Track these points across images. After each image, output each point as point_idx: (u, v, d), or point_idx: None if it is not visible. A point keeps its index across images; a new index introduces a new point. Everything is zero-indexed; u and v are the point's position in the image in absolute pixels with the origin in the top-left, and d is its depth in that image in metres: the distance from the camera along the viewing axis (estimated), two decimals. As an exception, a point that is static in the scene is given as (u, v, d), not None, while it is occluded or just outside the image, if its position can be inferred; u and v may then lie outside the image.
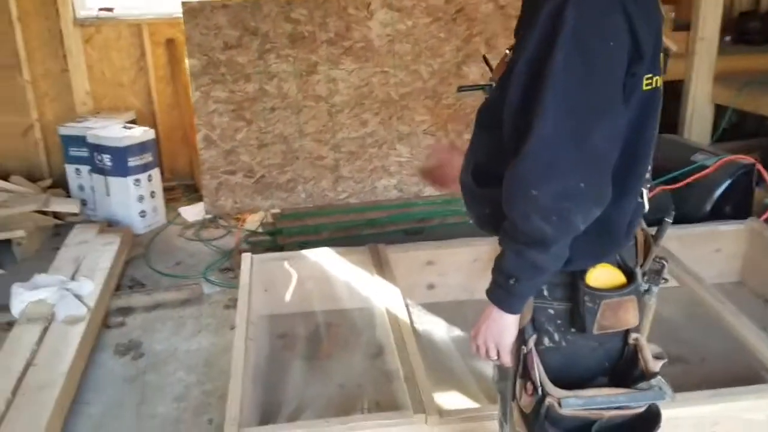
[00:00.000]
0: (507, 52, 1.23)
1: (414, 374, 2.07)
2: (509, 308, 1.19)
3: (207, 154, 3.69)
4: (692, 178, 3.23)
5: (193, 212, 4.03)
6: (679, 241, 3.02)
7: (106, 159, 3.74)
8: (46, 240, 3.62)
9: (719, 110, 4.42)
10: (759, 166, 3.20)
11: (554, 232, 1.07)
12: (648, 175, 1.25)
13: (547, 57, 1.05)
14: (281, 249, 3.40)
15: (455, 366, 2.38)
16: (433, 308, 2.85)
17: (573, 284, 1.19)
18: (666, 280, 1.33)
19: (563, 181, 1.05)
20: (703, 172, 3.21)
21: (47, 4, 4.13)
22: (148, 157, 3.82)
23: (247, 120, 3.72)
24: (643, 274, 1.29)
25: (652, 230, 1.34)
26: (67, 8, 4.15)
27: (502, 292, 1.17)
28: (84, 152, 3.87)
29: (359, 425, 1.91)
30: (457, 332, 2.68)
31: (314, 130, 3.79)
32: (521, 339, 1.23)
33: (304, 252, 2.89)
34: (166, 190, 4.32)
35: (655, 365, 1.21)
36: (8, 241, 3.44)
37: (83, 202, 3.98)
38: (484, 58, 3.41)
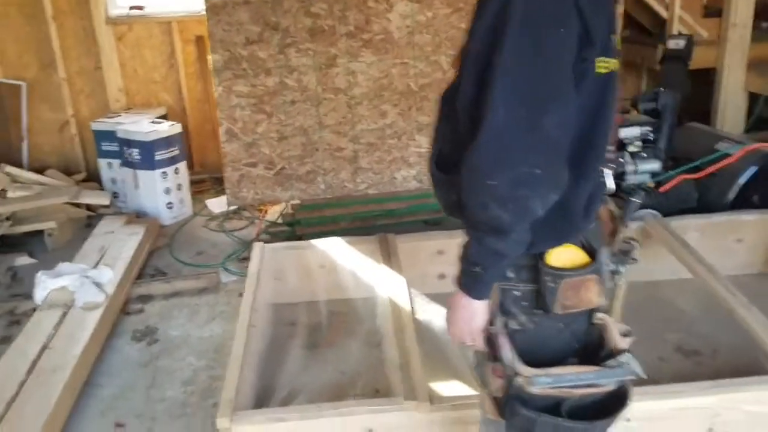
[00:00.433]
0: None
1: (410, 362, 2.09)
2: (476, 294, 1.20)
3: (229, 147, 3.76)
4: (715, 166, 3.14)
5: (218, 204, 4.12)
6: (700, 231, 2.96)
7: (135, 153, 3.86)
8: (78, 231, 3.76)
9: (754, 98, 4.29)
10: (786, 155, 3.10)
11: (512, 219, 1.08)
12: (612, 155, 1.24)
13: (497, 46, 1.05)
14: (300, 239, 3.46)
15: (454, 355, 2.38)
16: (443, 298, 2.85)
17: (536, 266, 1.19)
18: (635, 260, 1.32)
19: (518, 169, 1.05)
20: (726, 161, 3.13)
21: (81, 3, 4.27)
22: (174, 151, 3.93)
23: (268, 113, 3.78)
24: (612, 255, 1.28)
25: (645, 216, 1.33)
26: (99, 7, 4.29)
27: (469, 279, 1.19)
28: (115, 146, 4.00)
29: (350, 410, 1.94)
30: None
31: (334, 122, 3.83)
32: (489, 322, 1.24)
33: (315, 241, 2.93)
34: (196, 182, 4.45)
35: (623, 342, 1.20)
36: (41, 232, 3.58)
37: (115, 195, 4.12)
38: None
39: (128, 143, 3.88)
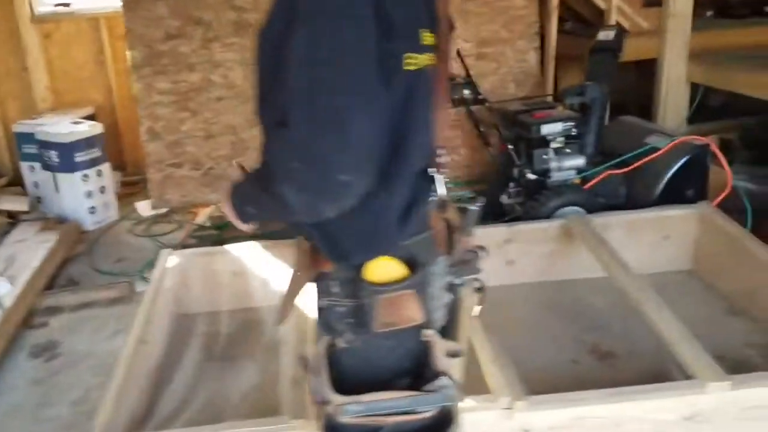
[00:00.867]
0: None
1: (304, 378, 1.98)
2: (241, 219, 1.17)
3: (151, 147, 3.63)
4: (642, 161, 3.06)
5: (148, 207, 3.97)
6: (624, 228, 2.88)
7: (54, 155, 3.70)
8: (-3, 239, 3.61)
9: (697, 89, 4.22)
10: (714, 147, 3.02)
11: (304, 217, 1.05)
12: (444, 159, 1.13)
13: (288, 42, 0.95)
14: (226, 242, 3.34)
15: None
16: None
17: (355, 279, 1.09)
18: (479, 271, 1.23)
19: (309, 174, 0.95)
20: (654, 155, 3.04)
21: (4, 3, 4.09)
22: (95, 152, 3.77)
23: (192, 111, 3.65)
24: (451, 266, 1.19)
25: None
26: (23, 6, 4.11)
27: (239, 209, 1.15)
28: (34, 149, 3.84)
29: (233, 432, 1.83)
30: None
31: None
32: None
33: (228, 247, 2.81)
34: (127, 184, 4.30)
35: (446, 364, 1.11)
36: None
37: (38, 200, 3.96)
38: (458, 52, 3.29)
39: (47, 145, 3.71)
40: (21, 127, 3.95)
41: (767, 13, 4.66)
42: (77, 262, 3.37)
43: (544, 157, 3.07)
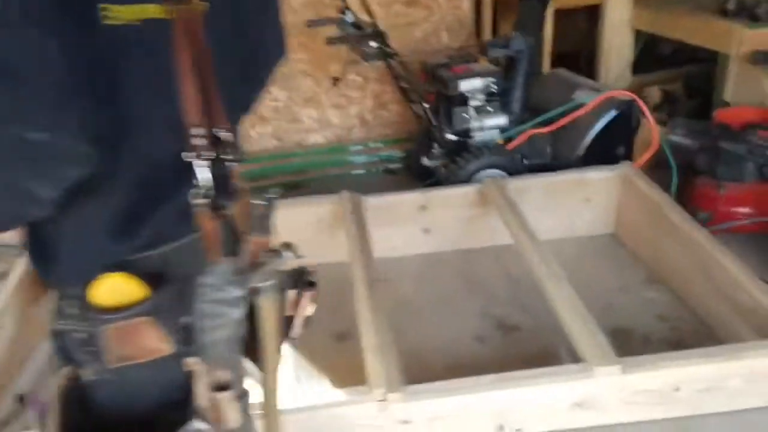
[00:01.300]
0: None
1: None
2: None
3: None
4: (566, 118, 2.89)
5: None
6: (544, 191, 2.73)
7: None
8: None
9: (641, 36, 4.01)
10: (640, 102, 2.84)
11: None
12: (201, 141, 0.91)
13: None
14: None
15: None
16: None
17: (84, 301, 0.91)
18: (273, 274, 1.05)
19: None
20: (579, 111, 2.87)
21: None
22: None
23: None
24: (238, 273, 1.00)
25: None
26: None
27: None
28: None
29: None
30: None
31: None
32: None
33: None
34: None
35: (205, 400, 0.94)
36: None
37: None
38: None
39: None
40: None
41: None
42: None
43: (464, 116, 2.89)
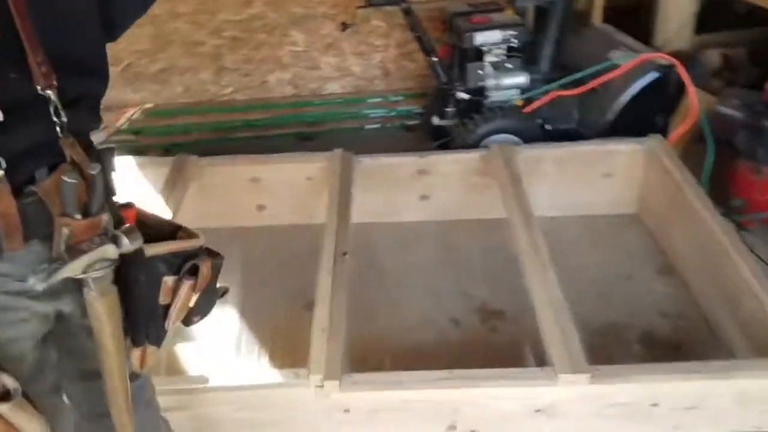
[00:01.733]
0: None
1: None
2: None
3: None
4: (596, 81, 2.59)
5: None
6: (559, 162, 2.47)
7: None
8: None
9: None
10: (680, 68, 2.51)
11: None
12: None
13: None
14: (144, 151, 3.08)
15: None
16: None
17: None
18: (102, 263, 0.89)
19: None
20: (610, 74, 2.56)
21: None
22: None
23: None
24: (53, 261, 0.86)
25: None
26: None
27: None
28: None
29: None
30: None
31: (189, 10, 3.29)
32: None
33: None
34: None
35: None
36: None
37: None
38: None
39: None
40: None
41: None
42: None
43: (479, 72, 2.63)
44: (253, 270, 2.31)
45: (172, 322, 1.07)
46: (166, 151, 3.09)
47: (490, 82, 2.63)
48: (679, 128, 2.51)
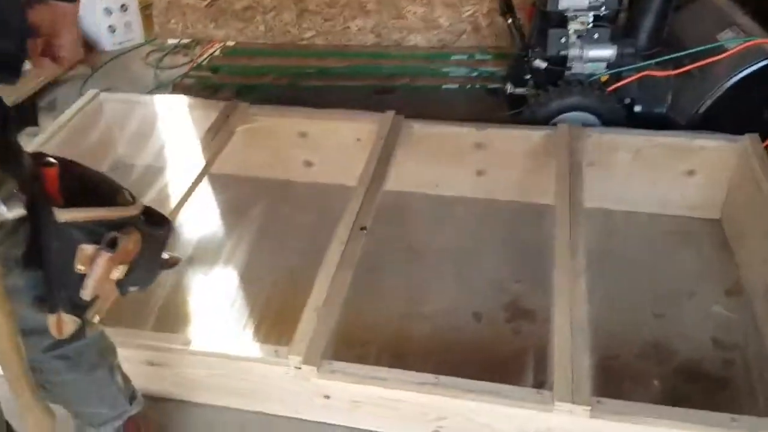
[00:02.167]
0: None
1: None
2: None
3: (159, -33, 3.30)
4: (696, 64, 2.26)
5: (172, 33, 3.73)
6: (634, 153, 2.20)
7: (74, -34, 3.50)
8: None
9: None
10: (797, 59, 2.12)
11: None
12: None
13: None
14: (219, 89, 3.08)
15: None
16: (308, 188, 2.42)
17: None
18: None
19: None
20: (712, 59, 2.22)
21: None
22: (114, -33, 3.52)
23: (203, -69, 3.22)
24: None
25: None
26: None
27: None
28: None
29: None
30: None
31: (276, -51, 3.19)
32: None
33: (157, 97, 2.52)
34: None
35: None
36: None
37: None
38: None
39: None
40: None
41: None
42: (72, 85, 3.26)
43: (561, 40, 2.35)
44: (276, 228, 2.24)
45: (89, 293, 1.01)
46: (238, 92, 3.06)
47: (573, 52, 2.35)
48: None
